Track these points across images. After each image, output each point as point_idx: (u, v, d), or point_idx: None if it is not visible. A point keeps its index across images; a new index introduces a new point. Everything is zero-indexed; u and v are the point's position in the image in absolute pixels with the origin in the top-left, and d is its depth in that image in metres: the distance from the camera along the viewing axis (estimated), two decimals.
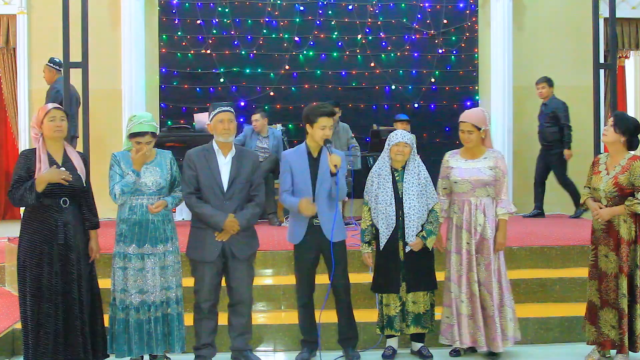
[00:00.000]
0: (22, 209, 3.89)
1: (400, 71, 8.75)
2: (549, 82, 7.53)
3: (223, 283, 4.17)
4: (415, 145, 4.29)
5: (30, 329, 3.70)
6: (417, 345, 4.40)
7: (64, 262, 3.74)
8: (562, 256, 5.41)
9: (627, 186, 4.04)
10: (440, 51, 8.80)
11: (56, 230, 3.70)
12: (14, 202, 3.68)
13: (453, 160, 4.35)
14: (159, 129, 8.00)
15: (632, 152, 4.17)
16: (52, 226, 3.70)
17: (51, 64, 7.16)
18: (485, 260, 4.20)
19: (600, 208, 4.12)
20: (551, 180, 8.25)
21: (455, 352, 4.38)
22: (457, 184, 4.26)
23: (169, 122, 8.14)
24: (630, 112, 10.64)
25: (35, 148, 3.75)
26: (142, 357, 4.01)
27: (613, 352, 4.16)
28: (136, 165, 3.92)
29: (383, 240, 4.21)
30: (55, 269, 3.70)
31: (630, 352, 4.11)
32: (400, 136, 4.25)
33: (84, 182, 3.84)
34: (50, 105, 3.82)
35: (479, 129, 4.24)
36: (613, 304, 4.07)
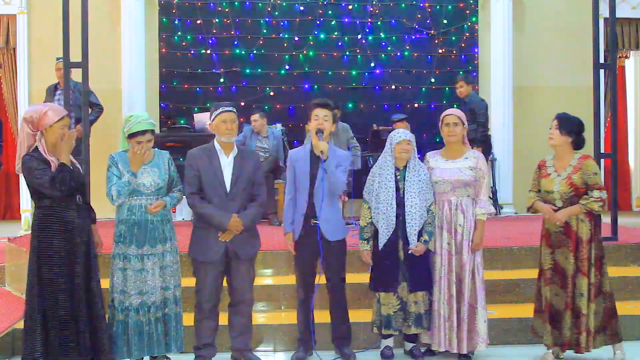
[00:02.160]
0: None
1: (400, 71, 8.75)
2: (466, 79, 7.41)
3: (224, 283, 4.18)
4: (415, 144, 4.31)
5: (53, 329, 3.59)
6: (409, 345, 4.41)
7: (87, 258, 3.72)
8: None
9: (581, 185, 4.06)
10: (440, 51, 8.80)
11: (77, 227, 3.67)
12: (61, 187, 3.52)
13: (433, 161, 4.37)
14: (159, 128, 8.07)
15: (581, 152, 4.17)
16: (72, 224, 3.66)
17: None
18: (463, 260, 4.21)
19: (554, 210, 4.11)
20: None
21: (430, 352, 4.36)
22: (438, 184, 4.27)
23: (169, 122, 8.14)
24: (630, 112, 10.68)
25: (35, 150, 3.63)
26: (142, 359, 3.99)
27: (569, 352, 4.18)
28: (134, 166, 3.90)
29: (383, 240, 4.21)
30: (79, 266, 3.66)
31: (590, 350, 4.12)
32: (403, 134, 4.29)
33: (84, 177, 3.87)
34: (63, 112, 3.70)
35: (463, 123, 4.32)
36: (570, 305, 4.06)
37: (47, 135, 3.64)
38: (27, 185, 3.70)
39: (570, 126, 4.12)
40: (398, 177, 4.26)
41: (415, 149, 4.32)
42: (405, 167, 4.28)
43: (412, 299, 4.24)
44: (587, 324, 4.05)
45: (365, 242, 4.30)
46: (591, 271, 4.06)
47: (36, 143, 3.64)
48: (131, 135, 3.91)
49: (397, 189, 4.23)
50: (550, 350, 4.22)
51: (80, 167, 3.88)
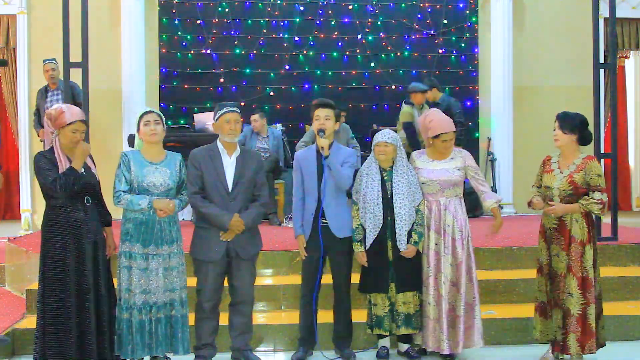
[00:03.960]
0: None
1: (400, 71, 8.75)
2: (432, 86, 7.30)
3: (225, 283, 4.18)
4: (399, 144, 4.27)
5: (53, 328, 3.63)
6: (404, 346, 4.40)
7: (94, 259, 3.74)
8: None
9: (582, 185, 4.05)
10: (440, 51, 8.81)
11: (84, 228, 3.70)
12: (63, 189, 3.58)
13: (420, 161, 4.37)
14: (165, 128, 8.03)
15: (585, 152, 4.16)
16: (79, 224, 3.69)
17: (56, 62, 7.16)
18: (456, 260, 4.22)
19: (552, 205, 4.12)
20: None
21: (421, 352, 4.39)
22: (426, 184, 4.28)
23: (169, 122, 8.11)
24: (630, 112, 10.68)
25: (50, 149, 3.70)
26: (143, 359, 3.99)
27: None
28: (150, 155, 3.95)
29: (370, 240, 4.21)
30: (88, 267, 3.69)
31: (585, 354, 4.09)
32: (381, 136, 4.27)
33: (98, 180, 3.88)
34: (77, 117, 3.73)
35: (455, 132, 4.36)
36: (560, 304, 4.08)
37: (60, 135, 3.70)
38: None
39: (571, 124, 4.10)
40: (385, 178, 4.26)
41: (402, 149, 4.28)
42: (392, 167, 4.27)
43: (401, 299, 4.24)
44: (582, 327, 4.04)
45: (359, 243, 4.28)
46: (590, 273, 4.05)
47: (52, 142, 3.71)
48: (139, 121, 3.95)
49: (384, 190, 4.23)
50: (550, 351, 4.23)
51: (95, 171, 3.88)
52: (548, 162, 4.24)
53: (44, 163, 3.66)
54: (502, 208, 8.18)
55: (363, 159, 7.36)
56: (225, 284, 4.17)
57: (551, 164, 4.22)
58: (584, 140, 4.14)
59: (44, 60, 7.31)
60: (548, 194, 4.17)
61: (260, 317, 4.80)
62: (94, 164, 3.92)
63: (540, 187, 4.26)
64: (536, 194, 4.26)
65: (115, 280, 4.00)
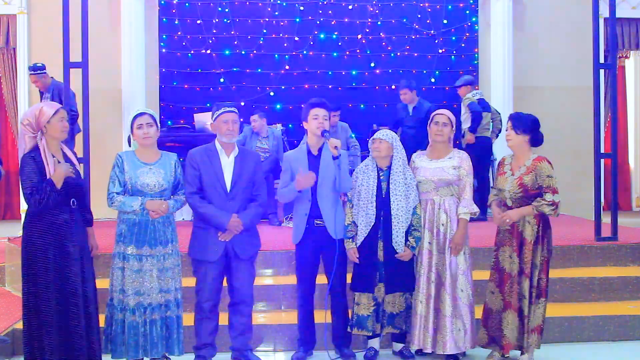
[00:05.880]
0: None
1: (400, 71, 8.75)
2: (409, 86, 7.30)
3: (224, 283, 4.18)
4: (397, 144, 4.26)
5: (38, 332, 3.61)
6: (399, 346, 4.41)
7: (80, 261, 3.72)
8: (562, 256, 5.40)
9: (532, 187, 4.06)
10: (440, 51, 8.80)
11: (68, 230, 3.67)
12: (37, 204, 3.53)
13: (419, 161, 4.38)
14: (159, 128, 8.03)
15: (536, 154, 4.17)
16: (64, 226, 3.66)
17: (40, 71, 6.99)
18: (447, 260, 4.21)
19: (505, 210, 4.14)
20: None
21: (421, 353, 4.39)
22: (421, 183, 4.28)
23: (169, 122, 8.14)
24: (630, 112, 10.68)
25: (36, 150, 3.64)
26: (142, 359, 3.99)
27: (515, 353, 4.18)
28: (145, 156, 3.94)
29: (360, 238, 4.21)
30: (73, 269, 3.66)
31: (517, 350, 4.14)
32: (376, 134, 4.29)
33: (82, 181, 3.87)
34: (57, 105, 3.75)
35: (452, 125, 4.33)
36: (514, 306, 4.07)
37: (48, 132, 3.65)
38: None
39: (523, 125, 4.12)
40: (381, 178, 4.26)
41: (398, 149, 4.26)
42: (389, 167, 4.27)
43: (389, 299, 4.24)
44: (527, 325, 4.07)
45: (350, 240, 4.28)
46: (534, 273, 4.06)
47: (36, 144, 3.64)
48: (132, 122, 3.94)
49: (380, 189, 4.23)
50: (495, 352, 4.21)
51: (79, 169, 3.87)
52: (502, 164, 4.27)
53: (30, 168, 3.58)
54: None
55: (363, 158, 7.40)
56: (225, 284, 4.17)
57: (504, 166, 4.24)
58: (535, 141, 4.16)
59: (29, 67, 7.20)
60: (501, 197, 4.19)
61: (260, 317, 4.80)
62: (78, 164, 3.89)
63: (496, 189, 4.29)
64: (495, 198, 4.28)
65: (107, 281, 3.98)
